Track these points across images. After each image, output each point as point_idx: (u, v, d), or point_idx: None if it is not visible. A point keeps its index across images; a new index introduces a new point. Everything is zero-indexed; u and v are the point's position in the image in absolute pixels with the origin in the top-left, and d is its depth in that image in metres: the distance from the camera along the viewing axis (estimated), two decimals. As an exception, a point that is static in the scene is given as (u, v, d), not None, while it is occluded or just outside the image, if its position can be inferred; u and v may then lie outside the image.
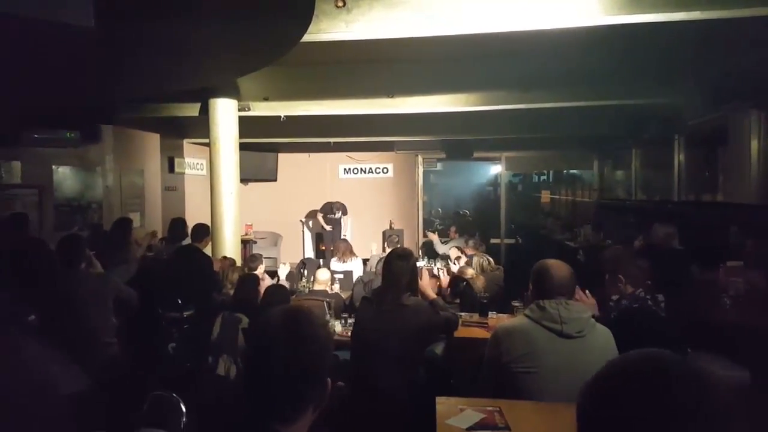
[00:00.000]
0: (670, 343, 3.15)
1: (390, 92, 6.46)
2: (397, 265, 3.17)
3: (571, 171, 13.65)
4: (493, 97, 6.44)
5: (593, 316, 2.57)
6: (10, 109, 6.32)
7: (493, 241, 10.85)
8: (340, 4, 3.81)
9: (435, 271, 5.56)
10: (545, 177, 14.71)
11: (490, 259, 5.63)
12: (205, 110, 6.67)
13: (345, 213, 10.26)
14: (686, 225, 5.74)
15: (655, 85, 6.36)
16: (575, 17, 3.71)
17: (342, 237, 10.10)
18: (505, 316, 4.21)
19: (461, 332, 3.85)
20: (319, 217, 10.29)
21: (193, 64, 4.30)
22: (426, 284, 3.44)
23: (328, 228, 10.20)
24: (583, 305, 2.58)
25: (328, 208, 10.29)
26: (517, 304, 4.03)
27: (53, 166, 7.15)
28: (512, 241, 11.34)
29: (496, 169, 13.25)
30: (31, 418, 1.34)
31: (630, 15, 3.72)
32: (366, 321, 3.17)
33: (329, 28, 3.90)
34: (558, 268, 2.54)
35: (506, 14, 3.77)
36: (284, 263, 6.55)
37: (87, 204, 7.48)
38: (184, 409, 2.72)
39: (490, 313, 4.30)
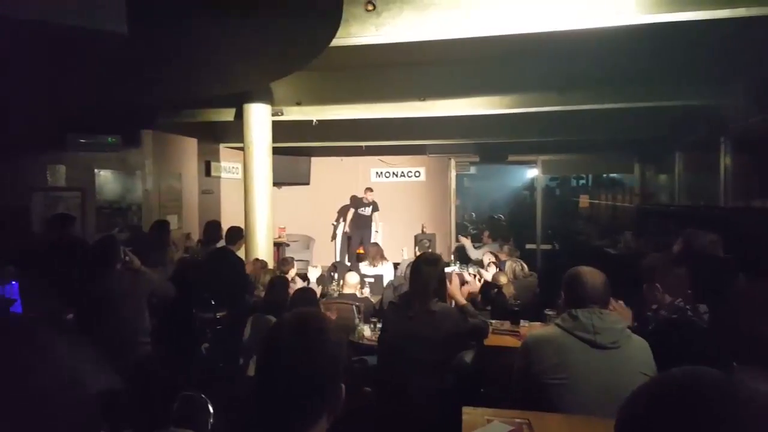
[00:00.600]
0: (713, 356, 3.00)
1: (421, 95, 6.41)
2: (425, 271, 3.11)
3: (611, 175, 13.31)
4: (528, 99, 6.32)
5: (629, 327, 2.46)
6: (56, 114, 6.54)
7: (528, 246, 10.64)
8: (370, 7, 3.79)
9: (466, 277, 5.46)
10: (584, 181, 14.39)
11: (524, 264, 5.51)
12: (239, 115, 6.78)
13: (376, 209, 10.22)
14: (733, 232, 5.50)
15: (700, 86, 6.12)
16: (613, 16, 3.60)
17: (373, 235, 10.09)
18: (537, 324, 4.09)
19: (492, 340, 3.76)
20: (350, 213, 10.28)
21: (225, 68, 4.35)
22: (456, 289, 3.37)
23: (346, 230, 10.16)
24: (618, 315, 2.47)
25: (358, 203, 10.27)
26: (550, 313, 3.92)
27: (95, 170, 7.36)
28: (548, 246, 11.10)
29: (532, 173, 13.03)
30: (56, 415, 1.35)
31: (669, 13, 3.59)
32: (393, 326, 3.12)
33: (359, 32, 3.89)
34: (591, 275, 2.44)
35: (541, 14, 3.69)
36: (315, 266, 6.56)
37: (127, 206, 7.67)
38: (211, 409, 2.74)
39: (522, 321, 4.20)
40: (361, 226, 10.21)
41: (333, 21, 3.52)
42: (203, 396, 2.81)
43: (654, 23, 3.67)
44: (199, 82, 5.03)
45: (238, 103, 6.75)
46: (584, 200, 13.23)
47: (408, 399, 2.91)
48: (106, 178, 7.48)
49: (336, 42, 3.91)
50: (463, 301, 3.33)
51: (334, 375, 1.23)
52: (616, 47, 5.39)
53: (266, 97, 6.57)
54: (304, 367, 1.18)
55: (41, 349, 1.40)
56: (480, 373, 3.69)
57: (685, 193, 9.36)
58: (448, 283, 3.32)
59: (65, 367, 1.46)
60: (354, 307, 4.76)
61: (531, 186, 13.68)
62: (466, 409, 2.29)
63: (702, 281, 3.43)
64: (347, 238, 10.50)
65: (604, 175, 13.59)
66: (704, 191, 8.59)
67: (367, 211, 10.18)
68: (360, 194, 10.35)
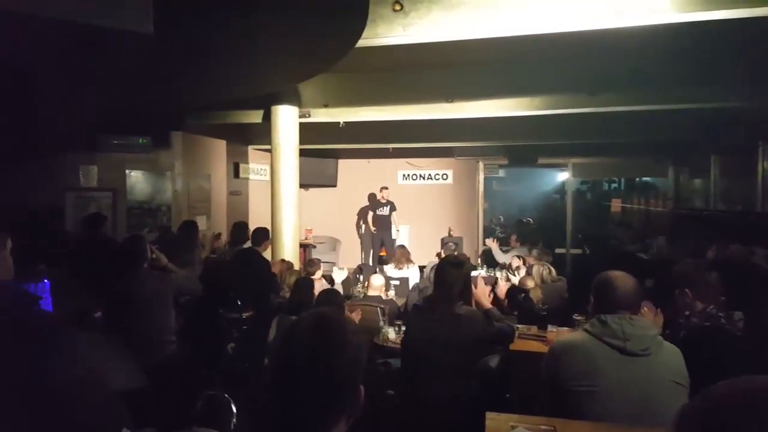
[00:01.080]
0: (748, 364, 2.89)
1: (449, 97, 6.36)
2: (450, 273, 3.06)
3: (645, 179, 13.02)
4: (558, 101, 6.21)
5: (661, 334, 2.38)
6: (88, 115, 6.69)
7: (558, 250, 10.47)
8: (398, 7, 3.77)
9: (501, 282, 5.34)
10: (616, 185, 14.12)
11: (552, 268, 5.40)
12: (267, 117, 6.83)
13: (394, 209, 10.17)
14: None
15: (737, 88, 5.92)
16: (648, 15, 3.51)
17: (393, 234, 10.04)
18: (565, 329, 4.01)
19: (518, 345, 3.70)
20: (369, 215, 10.27)
21: (253, 70, 4.39)
22: (481, 293, 3.32)
23: (373, 229, 10.17)
24: (649, 320, 2.39)
25: (376, 204, 10.24)
26: (578, 318, 3.83)
27: (126, 171, 7.49)
28: (579, 251, 10.91)
29: (562, 176, 12.83)
30: (76, 411, 1.36)
31: (705, 11, 3.48)
32: (416, 329, 3.08)
33: (386, 33, 3.87)
34: (622, 280, 2.37)
35: (574, 13, 3.62)
36: (341, 268, 6.56)
37: (157, 207, 7.78)
38: (235, 409, 2.74)
39: (549, 326, 4.12)
40: (381, 227, 10.16)
41: (359, 21, 3.51)
42: (226, 395, 2.82)
43: (689, 22, 3.58)
44: (227, 83, 5.09)
45: (266, 105, 6.81)
46: (616, 204, 12.95)
47: (431, 403, 2.87)
48: (136, 179, 7.61)
49: (363, 42, 3.90)
50: (488, 305, 3.27)
51: (352, 377, 1.20)
52: (649, 47, 5.26)
53: (294, 98, 6.62)
54: (322, 367, 1.16)
55: (63, 346, 1.42)
56: (505, 378, 3.63)
57: (721, 197, 9.10)
58: (473, 286, 3.27)
59: (86, 365, 1.47)
60: (379, 309, 4.74)
61: (561, 189, 13.46)
62: (489, 415, 2.25)
63: (738, 288, 3.31)
64: (370, 240, 10.48)
65: (637, 179, 13.31)
66: (740, 196, 8.35)
67: (386, 210, 10.13)
68: (381, 196, 10.30)
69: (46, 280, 3.95)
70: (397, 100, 6.57)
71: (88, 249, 5.16)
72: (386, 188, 10.24)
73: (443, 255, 6.53)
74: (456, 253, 6.70)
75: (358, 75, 6.29)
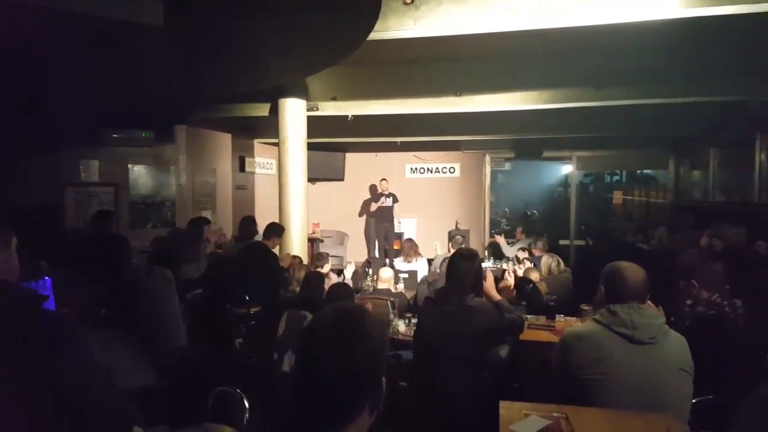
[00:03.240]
0: (749, 352, 2.96)
1: (457, 90, 6.39)
2: (462, 266, 3.12)
3: (645, 171, 13.08)
4: (565, 95, 6.25)
5: (666, 323, 2.45)
6: (90, 109, 6.67)
7: (562, 242, 10.54)
8: (408, 1, 3.81)
9: (508, 275, 5.38)
10: (618, 177, 14.19)
11: (560, 260, 5.47)
12: (274, 110, 6.85)
13: (396, 200, 10.19)
14: (756, 227, 5.39)
15: (737, 82, 5.97)
16: (655, 10, 3.55)
17: (396, 227, 10.06)
18: (573, 319, 4.08)
19: (527, 335, 3.76)
20: (372, 207, 10.30)
21: (263, 63, 4.41)
22: (491, 285, 3.38)
23: (377, 223, 10.22)
24: (656, 310, 2.45)
25: (379, 197, 10.28)
26: (586, 308, 3.90)
27: (129, 165, 7.48)
28: (582, 242, 10.98)
29: (566, 169, 12.89)
30: (87, 410, 1.38)
31: (712, 7, 3.53)
32: (429, 322, 3.15)
33: (397, 26, 3.91)
34: (632, 271, 2.43)
35: (583, 8, 3.66)
36: (350, 262, 6.61)
37: (161, 202, 7.76)
38: (247, 405, 2.79)
39: (557, 316, 4.19)
40: (384, 219, 10.16)
41: (371, 14, 3.54)
42: (239, 392, 2.87)
43: (694, 17, 3.62)
44: (237, 76, 5.11)
45: (273, 98, 6.81)
46: (618, 196, 13.03)
47: (443, 394, 2.94)
48: (139, 174, 7.59)
49: (373, 36, 3.93)
50: (497, 296, 3.33)
51: (374, 369, 1.21)
52: (654, 43, 5.30)
53: (301, 92, 6.63)
54: (344, 360, 1.17)
55: (73, 346, 1.45)
56: (514, 367, 3.70)
57: (719, 189, 9.19)
58: (483, 279, 3.34)
59: (96, 365, 1.50)
60: (389, 302, 4.80)
61: (565, 182, 13.51)
62: (503, 404, 2.32)
63: (738, 277, 3.38)
64: (374, 232, 10.50)
65: (638, 172, 13.37)
66: (738, 187, 8.42)
67: (388, 202, 10.14)
68: (381, 188, 10.30)
69: (47, 278, 3.96)
70: (406, 94, 6.59)
71: (92, 246, 5.16)
72: (386, 180, 10.26)
73: (452, 248, 6.59)
74: (463, 245, 6.76)
75: (366, 68, 6.30)
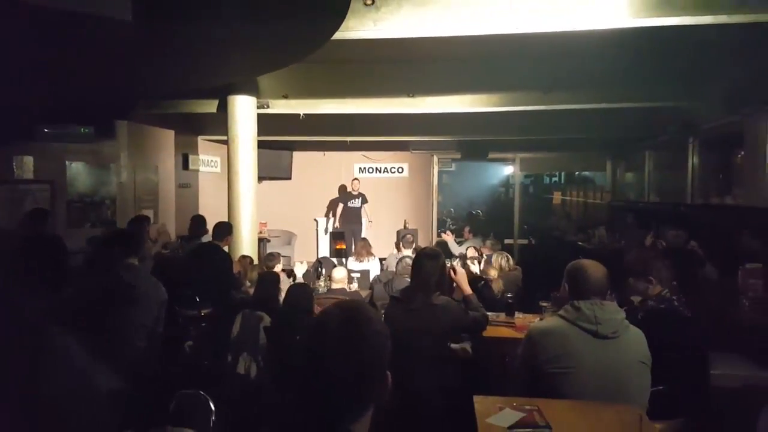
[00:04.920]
0: (694, 344, 3.16)
1: (411, 91, 6.46)
2: (427, 265, 3.17)
3: (583, 173, 13.63)
4: (514, 98, 6.45)
5: None
6: (23, 103, 6.29)
7: (506, 241, 10.83)
8: (369, 2, 3.82)
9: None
10: (556, 178, 14.71)
11: (510, 257, 5.62)
12: (223, 107, 6.68)
13: (365, 201, 10.18)
14: (700, 227, 5.76)
15: (674, 88, 6.35)
16: (606, 19, 3.72)
17: (364, 227, 10.04)
18: (531, 316, 4.21)
19: (488, 331, 3.82)
20: (340, 207, 10.24)
21: (220, 61, 4.31)
22: (462, 278, 3.43)
23: (336, 225, 10.15)
24: (617, 306, 2.57)
25: (347, 196, 10.24)
26: (545, 304, 4.03)
27: (66, 162, 7.13)
28: (525, 241, 11.32)
29: (508, 170, 13.26)
30: (75, 412, 1.33)
31: (659, 17, 3.73)
32: (396, 321, 3.16)
33: (357, 26, 3.92)
34: (594, 268, 2.54)
35: (537, 15, 3.78)
36: (300, 262, 6.53)
37: (100, 200, 7.45)
38: (213, 407, 2.73)
39: (516, 313, 4.31)
40: (352, 220, 10.10)
41: (338, 17, 3.52)
42: (203, 394, 2.80)
43: (637, 27, 3.83)
44: (190, 73, 4.95)
45: (222, 94, 6.65)
46: (557, 197, 13.54)
47: (412, 390, 2.97)
48: (77, 171, 7.25)
49: (333, 35, 3.92)
50: (469, 290, 3.40)
51: (380, 365, 1.23)
52: (600, 50, 5.56)
53: (252, 89, 6.49)
54: (352, 359, 1.19)
55: (57, 350, 1.39)
56: (476, 363, 3.78)
57: (654, 190, 9.69)
58: (453, 274, 3.40)
59: (80, 368, 1.44)
60: (345, 301, 4.77)
61: (507, 183, 13.89)
62: (477, 398, 2.37)
63: (678, 273, 3.60)
64: (332, 234, 10.42)
65: (576, 173, 13.92)
66: (672, 189, 8.90)
67: (357, 202, 10.10)
68: (352, 188, 10.28)
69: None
70: (360, 94, 6.60)
71: (26, 248, 4.88)
72: (357, 180, 10.24)
73: (402, 247, 6.64)
74: (414, 245, 6.83)
75: (319, 67, 6.25)
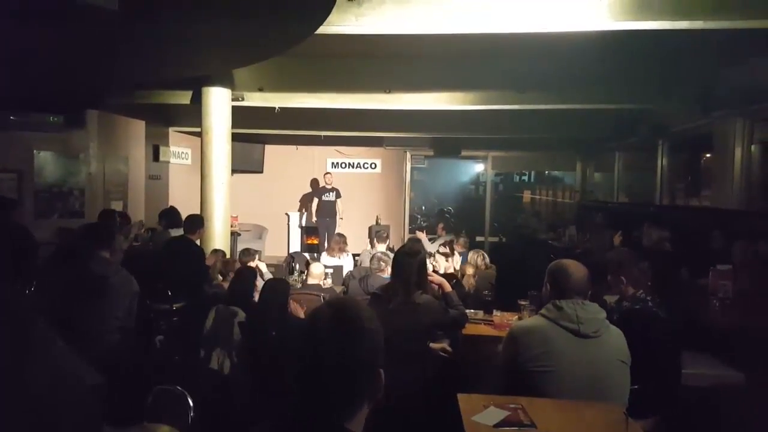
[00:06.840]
0: (669, 344, 3.23)
1: (387, 88, 6.45)
2: (406, 263, 3.17)
3: (552, 172, 13.83)
4: (490, 97, 6.49)
5: None
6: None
7: (477, 239, 10.93)
8: (351, -3, 3.79)
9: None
10: (526, 177, 14.89)
11: (485, 255, 5.66)
12: (197, 98, 6.54)
13: (339, 195, 10.15)
14: (670, 229, 5.90)
15: (646, 91, 6.49)
16: (586, 21, 3.77)
17: (338, 222, 9.99)
18: (508, 314, 4.25)
19: (467, 329, 3.86)
20: (314, 202, 10.18)
21: (198, 53, 4.22)
22: (440, 280, 3.44)
23: (314, 219, 10.10)
24: (597, 306, 2.61)
25: (321, 191, 10.18)
26: (523, 303, 4.07)
27: (34, 151, 6.96)
28: (495, 239, 11.44)
29: (478, 168, 13.36)
30: (64, 409, 1.30)
31: (637, 21, 3.80)
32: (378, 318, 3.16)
33: (338, 22, 3.89)
34: (576, 268, 2.57)
35: (517, 16, 3.81)
36: (261, 261, 6.35)
37: (68, 191, 7.33)
38: (191, 403, 2.68)
39: (494, 311, 4.35)
40: (326, 214, 10.05)
41: (322, 14, 3.48)
42: (180, 389, 2.75)
43: (613, 30, 3.89)
44: (165, 65, 4.84)
45: (196, 86, 6.50)
46: (527, 195, 13.72)
47: (393, 388, 2.96)
48: (45, 160, 7.11)
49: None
50: (449, 288, 3.41)
51: (373, 362, 1.24)
52: (576, 52, 5.63)
53: (227, 81, 6.36)
54: (345, 356, 1.19)
55: (43, 345, 1.34)
56: (456, 361, 3.79)
57: (624, 190, 9.90)
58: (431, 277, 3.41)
59: (66, 364, 1.40)
60: (321, 297, 4.75)
61: (477, 180, 14.00)
62: (461, 396, 2.37)
63: (653, 274, 3.67)
64: (305, 228, 10.33)
65: (546, 172, 14.12)
66: (641, 189, 9.11)
67: (332, 196, 10.06)
68: (325, 182, 10.25)
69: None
70: (335, 88, 6.55)
71: (4, 236, 4.73)
72: (330, 174, 10.18)
73: (376, 243, 6.64)
74: (388, 241, 6.83)
75: (296, 60, 6.15)
